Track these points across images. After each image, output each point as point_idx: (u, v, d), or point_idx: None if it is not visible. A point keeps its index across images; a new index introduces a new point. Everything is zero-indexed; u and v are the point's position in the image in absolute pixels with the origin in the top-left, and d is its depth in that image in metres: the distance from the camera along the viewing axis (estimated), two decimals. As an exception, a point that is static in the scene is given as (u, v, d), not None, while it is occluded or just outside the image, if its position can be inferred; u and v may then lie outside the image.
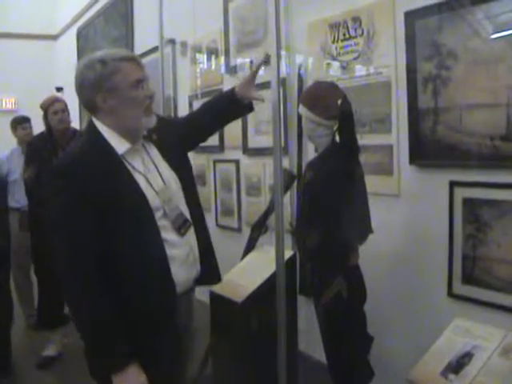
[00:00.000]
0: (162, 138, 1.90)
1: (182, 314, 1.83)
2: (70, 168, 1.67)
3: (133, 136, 1.77)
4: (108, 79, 1.67)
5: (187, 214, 1.86)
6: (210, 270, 1.97)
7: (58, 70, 8.05)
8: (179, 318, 1.80)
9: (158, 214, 1.74)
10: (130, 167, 1.74)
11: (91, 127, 1.77)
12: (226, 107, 2.12)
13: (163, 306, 1.72)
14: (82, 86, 1.73)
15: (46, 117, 3.68)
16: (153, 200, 1.73)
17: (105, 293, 1.62)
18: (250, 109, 2.16)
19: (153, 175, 1.79)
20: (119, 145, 1.73)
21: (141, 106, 1.72)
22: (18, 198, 4.28)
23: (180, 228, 1.79)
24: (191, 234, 1.86)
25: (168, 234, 1.76)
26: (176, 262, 1.76)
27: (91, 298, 1.62)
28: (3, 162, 4.56)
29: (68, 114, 3.71)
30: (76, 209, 1.63)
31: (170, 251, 1.74)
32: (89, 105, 1.75)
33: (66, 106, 3.71)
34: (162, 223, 1.75)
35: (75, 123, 4.30)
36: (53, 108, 3.63)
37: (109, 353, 1.64)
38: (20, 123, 4.74)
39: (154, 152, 1.87)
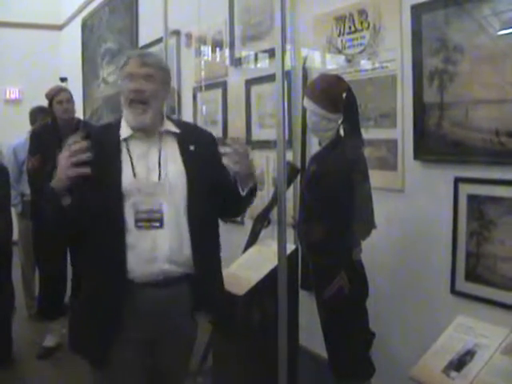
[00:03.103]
0: (200, 151, 1.93)
1: (144, 304, 1.80)
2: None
3: (131, 124, 1.86)
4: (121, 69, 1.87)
5: (172, 218, 1.82)
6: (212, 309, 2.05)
7: (62, 61, 8.03)
8: (139, 306, 1.79)
9: (129, 201, 1.78)
10: (125, 151, 1.84)
11: None
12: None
13: (112, 287, 1.77)
14: None
15: (50, 106, 3.68)
16: (126, 186, 1.79)
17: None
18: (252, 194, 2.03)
19: (149, 166, 1.83)
20: (125, 129, 1.87)
21: (125, 98, 1.85)
22: None
23: (139, 221, 1.78)
24: (162, 237, 1.80)
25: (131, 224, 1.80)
26: (134, 250, 1.77)
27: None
28: (19, 149, 4.52)
29: (73, 104, 3.71)
30: None
31: (130, 238, 1.78)
32: None
33: (71, 96, 3.70)
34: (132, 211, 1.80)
35: (78, 113, 4.28)
36: (58, 98, 3.63)
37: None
38: (41, 119, 4.64)
39: (170, 149, 1.89)
